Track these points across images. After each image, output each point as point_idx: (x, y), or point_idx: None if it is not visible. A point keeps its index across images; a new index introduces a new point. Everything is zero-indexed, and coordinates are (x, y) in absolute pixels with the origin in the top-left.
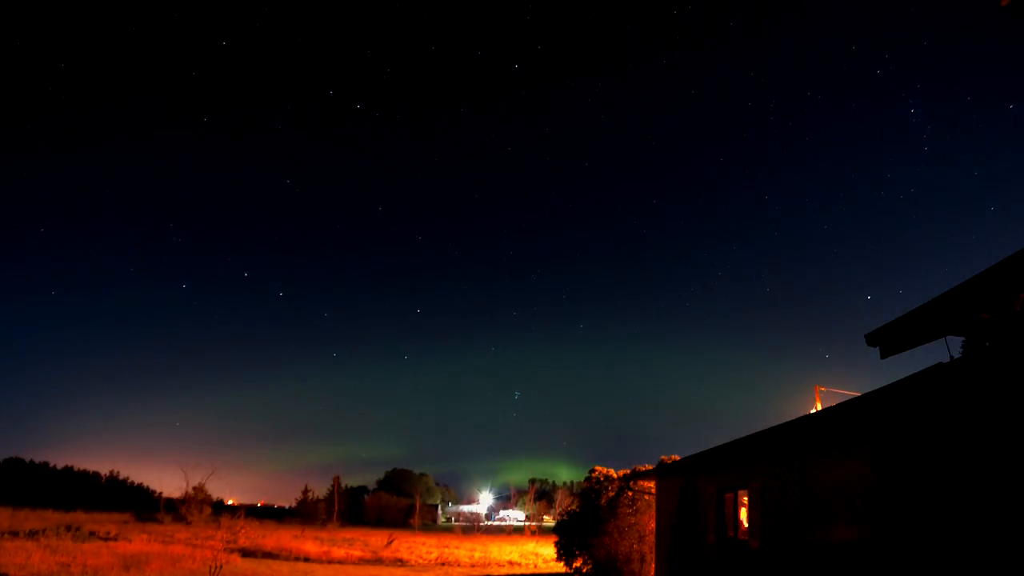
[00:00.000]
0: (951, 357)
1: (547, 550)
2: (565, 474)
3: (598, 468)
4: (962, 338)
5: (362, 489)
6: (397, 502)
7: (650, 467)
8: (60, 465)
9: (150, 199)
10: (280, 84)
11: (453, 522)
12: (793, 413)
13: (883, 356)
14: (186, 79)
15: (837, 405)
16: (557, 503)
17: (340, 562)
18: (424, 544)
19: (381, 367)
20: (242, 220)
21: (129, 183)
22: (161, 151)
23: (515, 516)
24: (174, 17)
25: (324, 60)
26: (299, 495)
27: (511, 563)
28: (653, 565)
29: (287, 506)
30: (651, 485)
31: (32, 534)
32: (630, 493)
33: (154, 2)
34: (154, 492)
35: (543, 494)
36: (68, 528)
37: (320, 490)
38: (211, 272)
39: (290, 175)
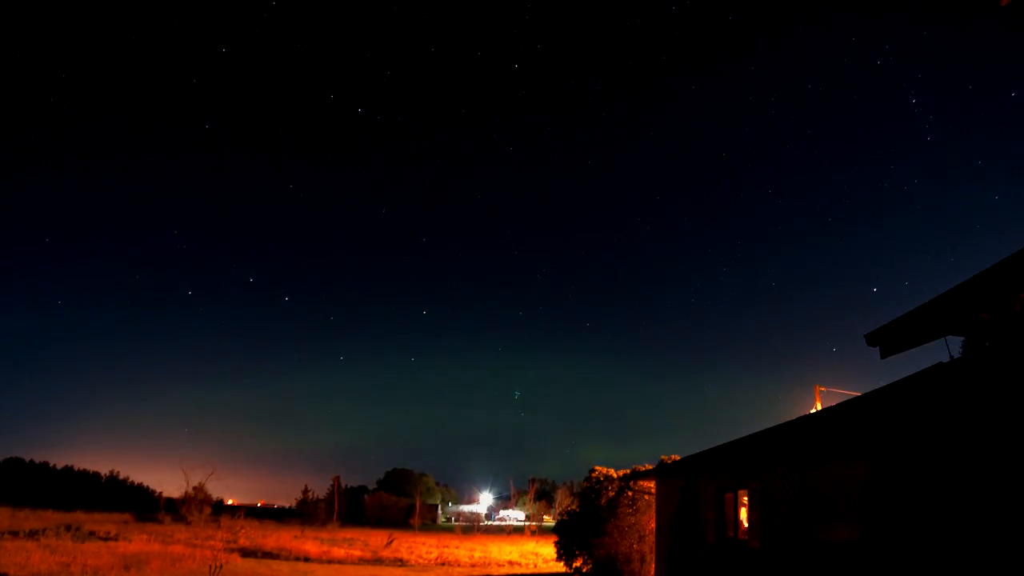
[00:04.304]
0: (951, 357)
1: (547, 550)
2: (565, 473)
3: (598, 468)
4: (962, 338)
5: (362, 489)
6: (397, 502)
7: (650, 467)
8: (60, 465)
9: (153, 206)
10: (281, 90)
11: (453, 522)
12: (794, 413)
13: (883, 356)
14: (187, 86)
15: (837, 405)
16: (557, 503)
17: (340, 562)
18: (424, 544)
19: (388, 369)
20: (246, 226)
21: (132, 191)
22: (163, 158)
23: (515, 516)
24: (174, 25)
25: (324, 65)
26: (299, 495)
27: (511, 563)
28: (653, 565)
29: (287, 506)
30: (651, 485)
31: (32, 534)
32: (630, 493)
33: (154, 11)
34: (154, 492)
35: (543, 494)
36: (68, 528)
37: (320, 490)
38: (216, 278)
39: (293, 180)
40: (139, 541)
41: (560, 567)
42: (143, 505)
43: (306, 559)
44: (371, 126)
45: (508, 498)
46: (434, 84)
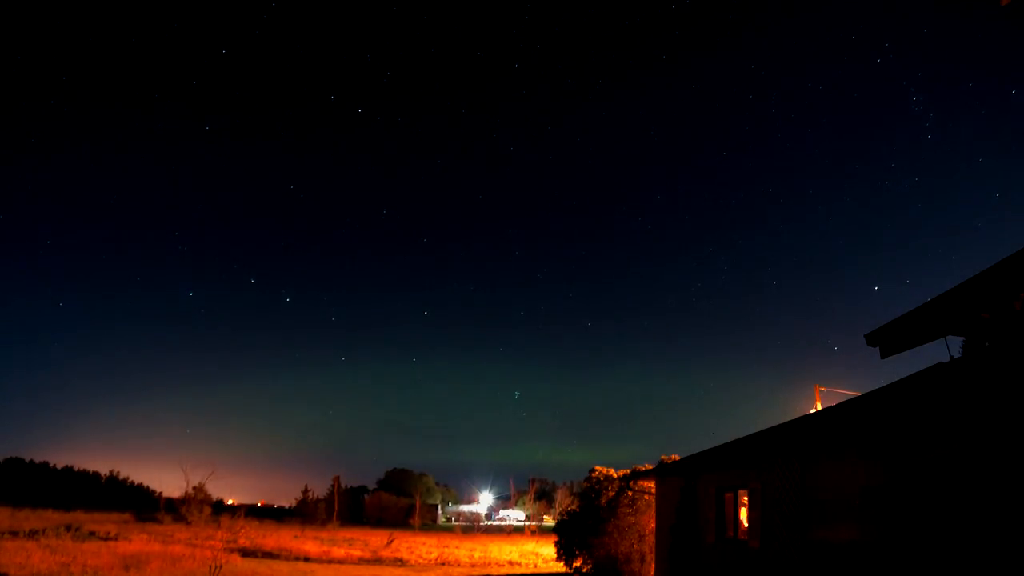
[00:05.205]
0: (951, 357)
1: (547, 550)
2: (565, 473)
3: (598, 468)
4: (962, 338)
5: (362, 489)
6: (397, 502)
7: (650, 467)
8: (60, 465)
9: (154, 207)
10: (281, 90)
11: (453, 522)
12: (794, 412)
13: (883, 356)
14: (187, 87)
15: (837, 405)
16: (557, 503)
17: (340, 562)
18: (424, 544)
19: (388, 369)
20: (247, 226)
21: (133, 191)
22: (164, 159)
23: (515, 516)
24: (174, 26)
25: (324, 65)
26: (299, 495)
27: (511, 563)
28: (653, 565)
29: (287, 506)
30: (651, 485)
31: (32, 534)
32: (630, 493)
33: (154, 12)
34: (154, 492)
35: (543, 494)
36: (68, 528)
37: (320, 490)
38: (217, 279)
39: (293, 181)
40: (139, 541)
41: (560, 567)
42: (143, 505)
43: (306, 559)
44: (371, 127)
45: (508, 498)
46: (434, 84)
